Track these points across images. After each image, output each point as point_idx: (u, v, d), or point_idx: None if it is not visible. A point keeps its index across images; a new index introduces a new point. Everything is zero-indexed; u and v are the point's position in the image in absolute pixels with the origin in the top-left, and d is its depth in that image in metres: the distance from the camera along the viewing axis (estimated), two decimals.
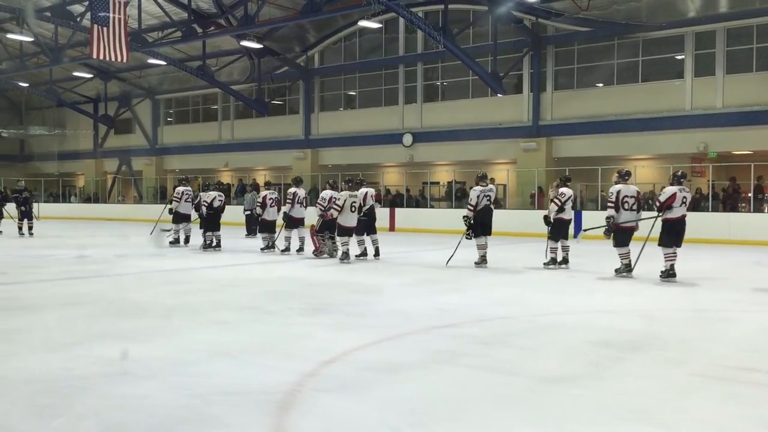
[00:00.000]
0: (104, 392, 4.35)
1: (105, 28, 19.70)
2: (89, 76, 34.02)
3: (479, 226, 11.80)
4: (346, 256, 12.71)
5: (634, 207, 10.50)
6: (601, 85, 23.79)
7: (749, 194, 19.77)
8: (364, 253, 13.27)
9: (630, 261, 10.52)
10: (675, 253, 10.11)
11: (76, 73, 33.58)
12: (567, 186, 11.79)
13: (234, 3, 24.78)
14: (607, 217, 10.48)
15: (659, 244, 10.17)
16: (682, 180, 10.22)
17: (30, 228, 19.43)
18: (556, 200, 11.53)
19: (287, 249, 14.33)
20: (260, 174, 30.91)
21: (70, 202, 37.75)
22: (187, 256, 14.21)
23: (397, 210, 24.64)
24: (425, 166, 27.54)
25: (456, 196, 24.89)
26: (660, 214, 10.11)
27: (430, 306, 7.88)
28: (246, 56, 29.16)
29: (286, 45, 29.35)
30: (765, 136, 20.32)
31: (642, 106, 22.40)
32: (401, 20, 25.86)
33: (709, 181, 20.83)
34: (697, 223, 18.52)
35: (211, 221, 15.33)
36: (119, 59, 20.33)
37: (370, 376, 4.79)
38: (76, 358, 5.23)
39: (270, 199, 14.89)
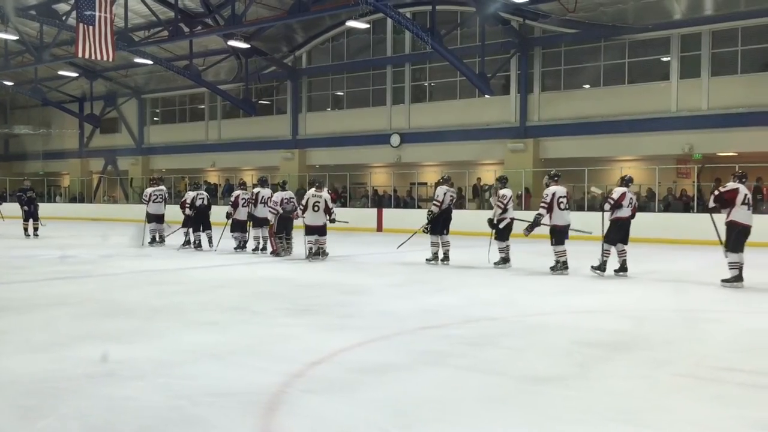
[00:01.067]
0: (90, 393, 4.32)
1: (91, 27, 19.55)
2: (75, 75, 33.76)
3: (440, 223, 12.34)
4: (313, 254, 13.01)
5: (567, 207, 11.16)
6: (587, 86, 23.90)
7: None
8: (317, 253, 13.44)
9: (566, 259, 11.08)
10: (624, 249, 10.72)
11: (61, 72, 33.31)
12: (506, 186, 12.20)
13: (221, 2, 24.66)
14: (537, 214, 11.18)
15: (605, 241, 10.73)
16: (629, 183, 10.84)
17: (36, 229, 18.97)
18: (499, 203, 11.95)
19: (255, 249, 14.59)
20: (248, 174, 30.78)
21: (55, 201, 37.44)
22: (173, 256, 14.14)
23: (385, 210, 24.65)
24: (413, 166, 27.57)
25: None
26: (609, 211, 10.67)
27: (418, 307, 7.88)
28: (233, 56, 29.05)
29: (273, 45, 29.27)
30: (750, 138, 20.47)
31: (628, 107, 22.51)
32: (389, 21, 25.88)
33: (694, 182, 20.97)
34: (683, 224, 18.79)
35: (196, 221, 15.38)
36: (105, 58, 20.18)
37: (357, 377, 4.79)
38: (62, 359, 5.19)
39: (242, 199, 14.97)
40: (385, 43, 27.91)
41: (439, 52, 21.72)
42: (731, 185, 9.71)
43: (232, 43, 26.15)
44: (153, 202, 16.43)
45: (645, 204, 21.12)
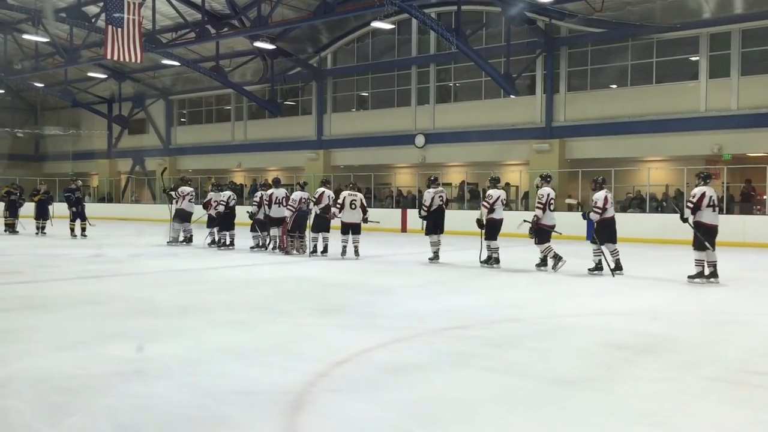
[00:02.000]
0: (117, 391, 4.37)
1: (119, 29, 19.83)
2: (104, 76, 34.24)
3: (432, 224, 12.82)
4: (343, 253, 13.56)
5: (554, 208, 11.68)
6: (614, 86, 23.67)
7: (765, 196, 19.61)
8: (314, 250, 14.08)
9: (555, 253, 11.55)
10: (617, 250, 11.14)
11: (90, 74, 33.80)
12: (497, 187, 12.40)
13: (247, 4, 24.86)
14: (534, 216, 11.56)
15: (594, 242, 11.31)
16: (604, 186, 11.43)
17: (83, 229, 18.84)
18: (485, 203, 12.15)
19: (273, 247, 14.91)
20: (273, 174, 30.94)
21: (84, 201, 37.92)
22: (200, 256, 14.28)
23: (409, 211, 24.62)
24: (437, 167, 27.48)
25: (469, 197, 24.83)
26: (596, 217, 11.13)
27: (442, 307, 7.88)
28: (259, 57, 29.25)
29: (298, 46, 29.40)
30: None
31: (656, 107, 22.26)
32: (414, 21, 25.85)
33: (723, 183, 20.68)
34: None
35: (225, 220, 15.60)
36: (133, 60, 20.45)
37: (381, 377, 4.80)
38: (90, 357, 5.27)
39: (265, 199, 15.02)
40: (410, 44, 27.89)
41: (464, 52, 21.67)
42: (698, 191, 10.18)
43: (258, 44, 26.32)
44: (189, 201, 16.69)
45: (676, 205, 20.88)
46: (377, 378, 4.78)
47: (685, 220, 10.45)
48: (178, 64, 28.43)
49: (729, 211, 19.52)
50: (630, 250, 15.77)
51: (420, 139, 27.34)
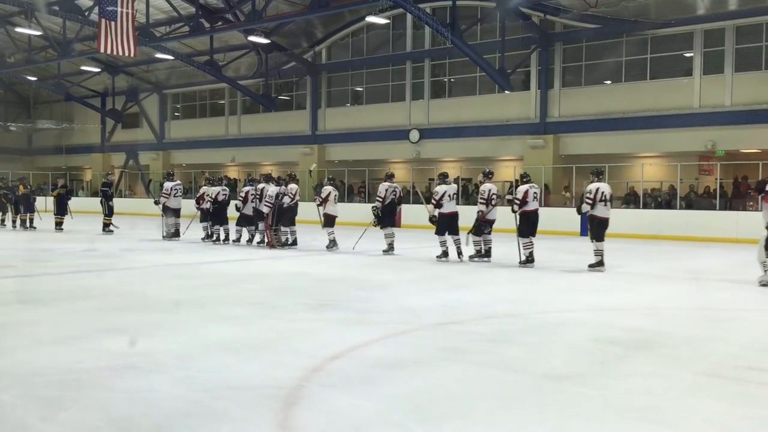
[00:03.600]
0: (111, 386, 4.36)
1: (113, 23, 19.70)
2: (97, 70, 34.09)
3: (386, 217, 13.40)
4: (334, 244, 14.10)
5: (496, 203, 12.18)
6: (609, 82, 23.70)
7: (758, 194, 19.66)
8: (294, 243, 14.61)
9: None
10: (531, 242, 11.65)
11: (84, 68, 33.65)
12: (446, 183, 12.73)
13: None
14: (479, 211, 12.03)
15: (519, 235, 11.70)
16: (528, 179, 11.93)
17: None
18: (433, 199, 12.58)
19: (260, 242, 15.08)
20: (267, 169, 30.89)
21: (77, 196, 37.81)
22: (194, 250, 14.25)
23: (404, 206, 24.58)
24: (432, 162, 27.50)
25: (464, 192, 24.83)
26: (517, 208, 11.58)
27: (437, 302, 7.88)
28: (253, 51, 29.16)
29: (293, 40, 29.33)
30: None
31: (650, 103, 22.30)
32: (409, 16, 25.80)
33: (716, 179, 20.74)
34: (704, 221, 18.60)
35: (216, 215, 15.62)
36: (127, 53, 20.33)
37: (376, 373, 4.80)
38: (84, 352, 5.26)
39: (251, 195, 15.07)
40: (405, 39, 27.85)
41: (459, 48, 21.64)
42: (593, 186, 11.05)
43: (253, 38, 26.24)
44: (174, 196, 16.68)
45: (666, 201, 20.96)
46: (371, 373, 4.78)
47: (581, 212, 11.37)
48: (171, 58, 28.33)
49: (722, 207, 19.58)
50: (624, 245, 15.83)
51: (414, 135, 27.33)
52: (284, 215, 14.46)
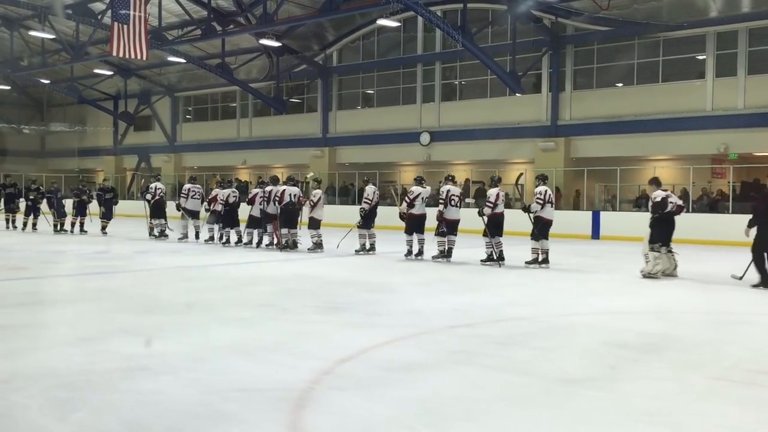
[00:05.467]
0: (122, 387, 4.39)
1: (125, 26, 19.83)
2: (110, 73, 34.27)
3: (371, 218, 13.89)
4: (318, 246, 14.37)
5: (458, 204, 12.74)
6: (620, 84, 23.60)
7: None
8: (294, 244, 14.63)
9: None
10: (500, 242, 12.16)
11: (96, 71, 33.84)
12: (422, 185, 13.33)
13: (253, 1, 24.83)
14: (439, 211, 12.59)
15: (484, 235, 12.22)
16: (498, 183, 12.50)
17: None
18: (407, 198, 13.15)
19: (269, 244, 15.16)
20: (278, 172, 30.97)
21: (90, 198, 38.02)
22: (204, 252, 14.30)
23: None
24: (442, 165, 27.45)
25: (474, 194, 24.78)
26: (489, 212, 12.05)
27: (446, 306, 7.87)
28: (265, 54, 29.23)
29: (304, 43, 29.40)
30: None
31: (662, 106, 22.18)
32: (420, 19, 25.77)
33: (729, 182, 20.60)
34: (717, 225, 18.46)
35: (227, 218, 15.69)
36: (139, 57, 20.45)
37: (385, 375, 4.80)
38: (95, 353, 5.28)
39: (259, 197, 15.12)
40: (416, 42, 27.86)
41: (469, 50, 21.62)
42: (541, 189, 11.85)
43: (264, 41, 26.31)
44: (191, 198, 16.82)
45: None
46: (381, 376, 4.78)
47: (527, 211, 11.90)
48: (183, 61, 28.44)
49: (734, 211, 19.44)
50: (635, 249, 15.73)
51: (425, 137, 27.32)
52: (290, 218, 14.52)
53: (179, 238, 16.75)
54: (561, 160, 23.78)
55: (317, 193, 14.44)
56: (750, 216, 10.26)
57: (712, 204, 20.38)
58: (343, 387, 4.51)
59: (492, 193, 12.18)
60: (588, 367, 5.14)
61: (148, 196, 17.37)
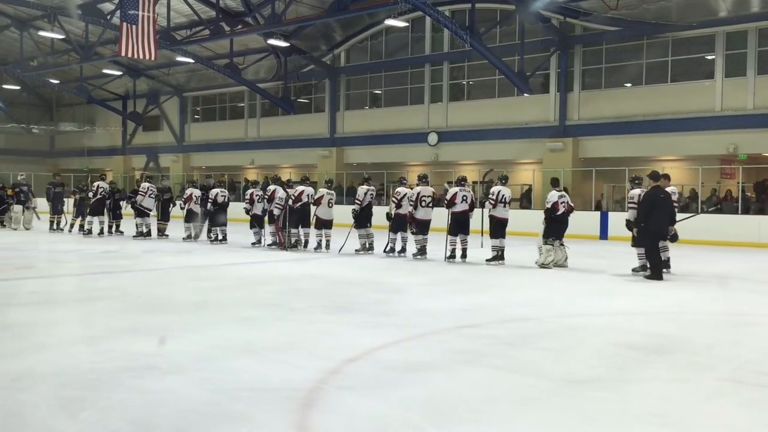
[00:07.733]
0: (131, 386, 4.40)
1: (134, 26, 19.89)
2: (118, 73, 34.42)
3: (364, 218, 14.09)
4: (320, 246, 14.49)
5: (430, 204, 13.13)
6: (629, 85, 23.54)
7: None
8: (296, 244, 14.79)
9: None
10: (464, 239, 12.57)
11: (105, 71, 34.00)
12: (407, 187, 13.76)
13: (261, 1, 24.91)
14: (408, 212, 13.05)
15: (448, 233, 12.65)
16: (463, 183, 12.88)
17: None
18: (393, 198, 13.54)
19: (272, 243, 15.19)
20: (286, 171, 31.02)
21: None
22: (211, 252, 14.33)
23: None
24: (450, 165, 27.42)
25: (482, 196, 24.75)
26: (449, 209, 12.57)
27: (454, 306, 7.87)
28: (273, 54, 29.29)
29: (312, 43, 29.44)
30: None
31: (671, 106, 22.11)
32: (428, 19, 25.80)
33: (738, 183, 20.52)
34: (726, 225, 18.39)
35: (215, 216, 16.15)
36: (148, 57, 20.51)
37: (393, 375, 4.80)
38: (103, 352, 5.30)
39: (257, 195, 15.37)
40: (424, 42, 27.85)
41: (478, 51, 21.60)
42: (496, 189, 12.29)
43: (272, 41, 26.36)
44: (148, 197, 17.54)
45: (687, 204, 20.73)
46: (388, 376, 4.78)
47: (483, 206, 12.55)
48: (192, 61, 28.53)
49: (744, 211, 19.36)
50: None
51: (433, 137, 27.31)
52: (305, 217, 14.65)
53: (183, 239, 16.82)
54: (569, 160, 23.74)
55: (321, 192, 14.45)
56: None
57: (726, 204, 20.23)
58: (350, 387, 4.51)
59: (452, 191, 12.63)
60: (596, 368, 5.12)
61: (91, 194, 18.11)
